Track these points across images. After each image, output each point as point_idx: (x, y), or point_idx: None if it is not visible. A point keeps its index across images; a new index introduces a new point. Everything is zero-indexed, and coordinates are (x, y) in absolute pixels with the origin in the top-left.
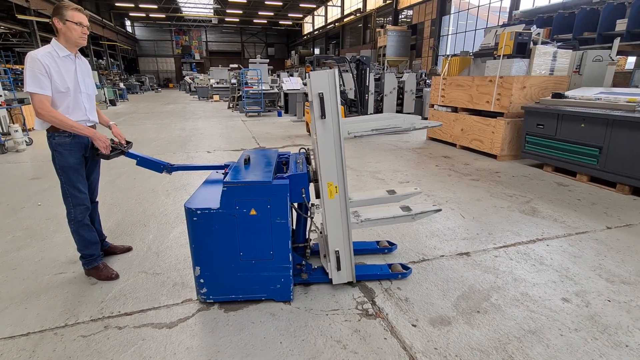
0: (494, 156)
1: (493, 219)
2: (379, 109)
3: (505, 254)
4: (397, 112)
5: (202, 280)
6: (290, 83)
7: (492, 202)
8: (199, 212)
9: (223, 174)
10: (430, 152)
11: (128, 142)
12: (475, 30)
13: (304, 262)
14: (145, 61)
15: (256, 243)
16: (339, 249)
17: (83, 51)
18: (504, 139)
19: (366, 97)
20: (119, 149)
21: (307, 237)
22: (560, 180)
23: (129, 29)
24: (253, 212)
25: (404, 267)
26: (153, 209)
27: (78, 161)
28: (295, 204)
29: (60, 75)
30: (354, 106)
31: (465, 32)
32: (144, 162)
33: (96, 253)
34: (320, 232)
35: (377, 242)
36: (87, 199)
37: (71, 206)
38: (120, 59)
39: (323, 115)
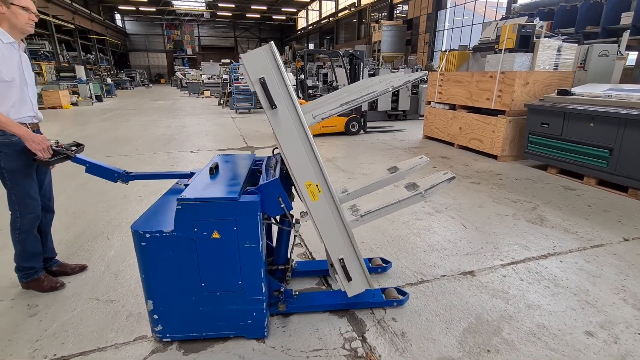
0: (494, 156)
1: (498, 229)
2: (373, 106)
3: (514, 273)
4: (392, 109)
5: (156, 316)
6: None
7: (495, 208)
8: (148, 235)
9: (184, 185)
10: (427, 152)
11: (79, 145)
12: (472, 25)
13: (282, 289)
14: (136, 56)
15: (221, 272)
16: (343, 256)
17: (70, 45)
18: (505, 139)
19: None
20: (63, 153)
21: (289, 256)
22: (567, 184)
23: (119, 22)
24: (216, 235)
25: (400, 291)
26: (121, 218)
27: (28, 164)
28: (278, 217)
29: (4, 63)
30: None
31: (462, 27)
32: (95, 169)
33: (37, 265)
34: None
35: (370, 260)
36: (39, 206)
37: (18, 215)
38: (110, 53)
39: (272, 104)
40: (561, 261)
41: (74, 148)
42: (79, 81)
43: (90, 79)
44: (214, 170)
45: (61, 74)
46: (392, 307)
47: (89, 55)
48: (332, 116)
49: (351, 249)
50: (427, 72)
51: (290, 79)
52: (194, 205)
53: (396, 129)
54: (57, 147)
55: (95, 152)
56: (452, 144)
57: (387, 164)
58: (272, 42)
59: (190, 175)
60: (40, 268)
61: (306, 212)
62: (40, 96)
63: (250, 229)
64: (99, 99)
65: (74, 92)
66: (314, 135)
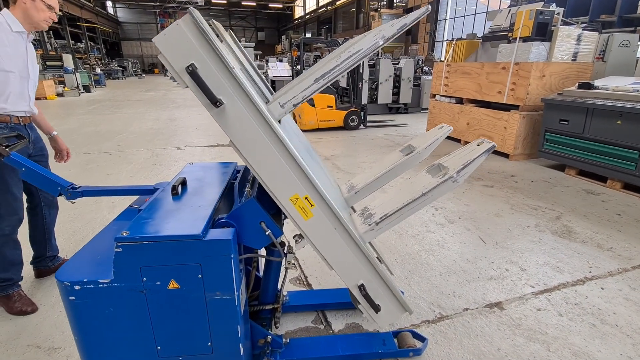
0: (505, 155)
1: (521, 244)
2: (373, 99)
3: (550, 305)
4: (393, 102)
5: None
6: (277, 69)
7: (514, 218)
8: (77, 287)
9: (140, 209)
10: (432, 150)
11: (20, 138)
12: (475, 14)
13: (269, 338)
14: (129, 45)
15: (182, 331)
16: (363, 281)
17: (59, 33)
18: (518, 136)
19: (360, 86)
20: None
21: (278, 291)
22: (588, 187)
23: (110, 10)
24: (173, 284)
25: (416, 335)
26: (87, 230)
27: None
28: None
29: (6, 51)
30: (347, 95)
31: (464, 16)
32: (32, 176)
33: (15, 277)
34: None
35: None
36: (22, 208)
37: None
38: (101, 42)
39: (214, 101)
40: (602, 288)
41: (17, 142)
42: (65, 70)
43: (78, 68)
44: (179, 188)
45: (47, 63)
46: (407, 357)
47: (78, 44)
48: (305, 100)
49: (371, 270)
50: (429, 6)
51: (286, 68)
52: (140, 246)
53: (398, 123)
54: None
55: (72, 149)
56: (458, 141)
57: None
58: (194, 8)
59: (153, 191)
60: (18, 281)
61: (300, 234)
62: None
63: (221, 276)
64: (87, 89)
65: (60, 82)
66: (311, 131)
